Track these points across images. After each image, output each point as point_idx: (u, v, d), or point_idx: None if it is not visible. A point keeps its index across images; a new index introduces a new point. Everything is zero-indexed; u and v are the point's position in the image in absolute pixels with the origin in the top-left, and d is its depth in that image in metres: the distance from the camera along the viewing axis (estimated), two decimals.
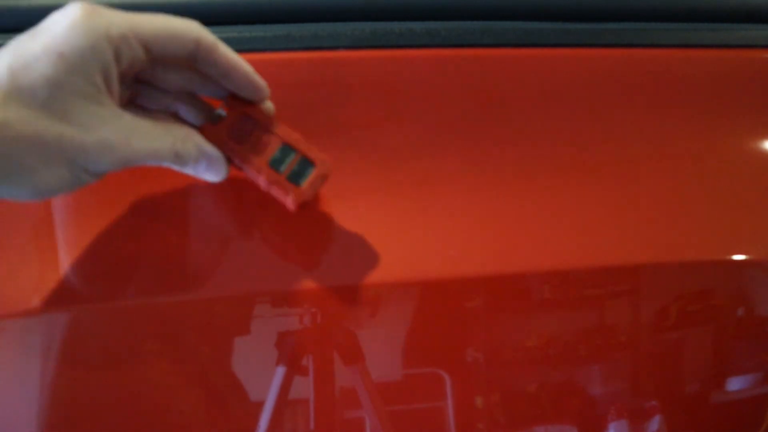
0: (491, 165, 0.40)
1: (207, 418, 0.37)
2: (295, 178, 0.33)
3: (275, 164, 0.33)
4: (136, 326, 0.36)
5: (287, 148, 0.34)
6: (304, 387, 0.38)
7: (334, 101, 0.40)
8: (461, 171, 0.40)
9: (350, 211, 0.38)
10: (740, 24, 0.46)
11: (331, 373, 0.38)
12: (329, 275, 0.37)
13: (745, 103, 0.44)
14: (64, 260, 0.35)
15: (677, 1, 0.45)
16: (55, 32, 0.27)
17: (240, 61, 0.32)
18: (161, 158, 0.31)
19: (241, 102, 0.34)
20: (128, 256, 0.36)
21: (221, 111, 0.34)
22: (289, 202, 0.34)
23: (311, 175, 0.33)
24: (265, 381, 0.37)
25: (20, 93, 0.26)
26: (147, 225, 0.37)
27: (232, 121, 0.33)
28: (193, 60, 0.31)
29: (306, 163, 0.34)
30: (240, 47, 0.39)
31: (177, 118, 0.35)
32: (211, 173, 0.34)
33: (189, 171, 0.33)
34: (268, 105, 0.35)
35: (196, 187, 0.37)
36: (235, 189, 0.38)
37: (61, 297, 0.34)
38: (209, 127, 0.33)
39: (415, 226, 0.38)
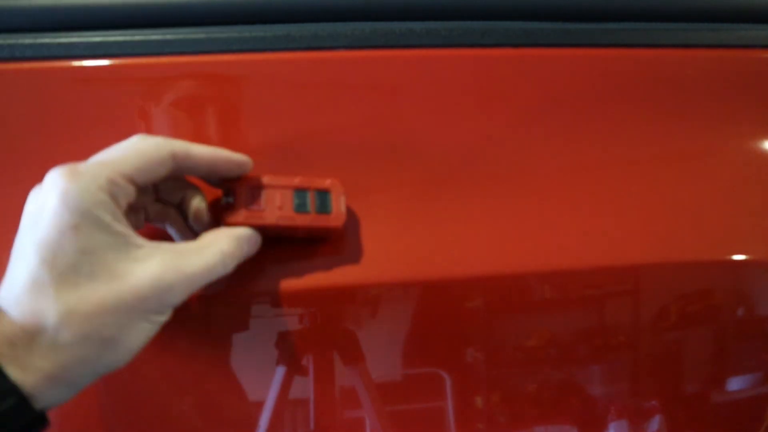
0: (491, 165, 0.40)
1: (208, 418, 0.37)
2: (323, 209, 0.36)
3: (301, 209, 0.35)
4: None
5: (300, 192, 0.36)
6: (304, 387, 0.38)
7: (334, 101, 0.40)
8: (461, 171, 0.40)
9: (348, 211, 0.38)
10: (740, 24, 0.46)
11: (331, 373, 0.38)
12: (329, 275, 0.37)
13: (745, 103, 0.44)
14: None
15: (677, 1, 0.45)
16: (55, 210, 0.27)
17: (216, 151, 0.34)
18: (216, 271, 0.31)
19: (238, 179, 0.35)
20: None
21: (229, 198, 0.35)
22: (333, 229, 0.36)
23: (333, 201, 0.36)
24: (264, 381, 0.37)
25: (65, 276, 0.27)
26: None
27: (242, 199, 0.35)
28: (178, 170, 0.32)
29: (322, 194, 0.36)
30: (240, 47, 0.39)
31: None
32: (251, 252, 0.34)
33: (237, 263, 0.34)
34: (249, 165, 0.36)
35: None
36: None
37: None
38: (229, 216, 0.35)
39: (415, 226, 0.38)
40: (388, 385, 0.38)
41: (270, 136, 0.39)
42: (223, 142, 0.38)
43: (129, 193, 0.30)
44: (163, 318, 0.30)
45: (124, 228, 0.29)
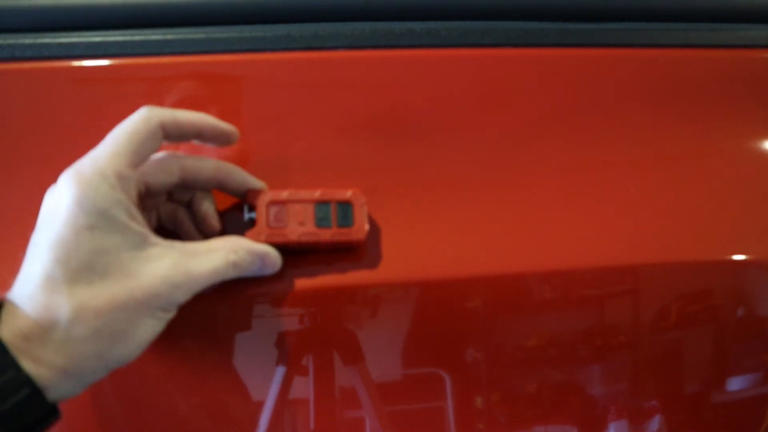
0: (490, 165, 0.40)
1: (209, 418, 0.37)
2: (345, 222, 0.36)
3: (323, 223, 0.36)
4: None
5: (321, 205, 0.36)
6: (304, 387, 0.38)
7: (334, 101, 0.40)
8: (461, 171, 0.40)
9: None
10: (740, 24, 0.46)
11: (332, 372, 0.38)
12: (329, 275, 0.37)
13: (745, 103, 0.44)
14: None
15: (677, 1, 0.45)
16: (70, 211, 0.28)
17: (203, 116, 0.34)
18: (221, 275, 0.32)
19: (259, 194, 0.36)
20: None
21: (251, 214, 0.35)
22: (355, 242, 0.36)
23: (355, 213, 0.36)
24: (265, 381, 0.37)
25: (78, 274, 0.28)
26: None
27: (264, 216, 0.35)
28: (168, 138, 0.33)
29: (344, 206, 0.36)
30: (240, 47, 0.39)
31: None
32: (268, 269, 0.35)
33: (248, 275, 0.34)
34: (261, 184, 0.36)
35: None
36: None
37: None
38: (251, 234, 0.35)
39: (415, 226, 0.38)
40: (388, 385, 0.38)
41: (270, 135, 0.39)
42: None
43: (134, 177, 0.31)
44: (170, 315, 0.31)
45: (139, 227, 0.30)
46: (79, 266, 0.28)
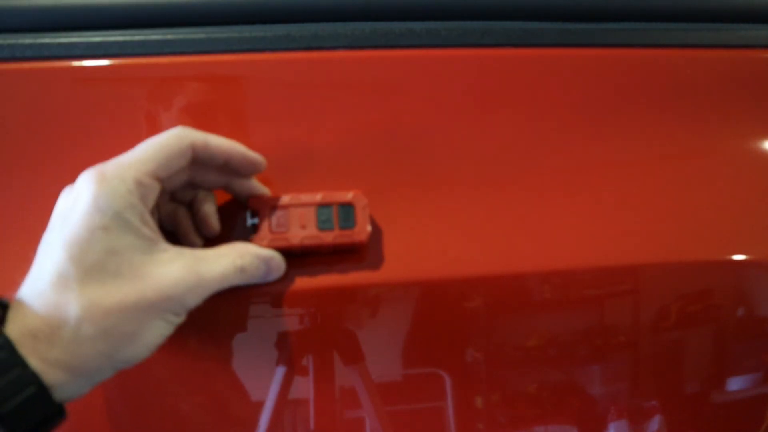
0: (490, 165, 0.40)
1: (210, 417, 0.37)
2: (347, 224, 0.36)
3: (325, 225, 0.36)
4: None
5: (322, 208, 0.36)
6: (304, 387, 0.38)
7: (334, 101, 0.40)
8: (461, 171, 0.40)
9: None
10: (740, 24, 0.46)
11: (332, 372, 0.38)
12: (329, 275, 0.37)
13: (745, 103, 0.44)
14: None
15: (677, 1, 0.45)
16: (86, 211, 0.28)
17: (233, 144, 0.34)
18: (229, 279, 0.32)
19: (261, 200, 0.36)
20: None
21: (253, 220, 0.36)
22: (357, 244, 0.36)
23: (356, 215, 0.36)
24: (265, 381, 0.37)
25: (91, 273, 0.28)
26: None
27: (267, 221, 0.36)
28: (196, 160, 0.33)
29: (345, 208, 0.36)
30: (240, 47, 0.39)
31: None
32: (273, 274, 0.35)
33: (253, 281, 0.34)
34: (265, 189, 0.37)
35: None
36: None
37: None
38: (255, 238, 0.35)
39: (415, 226, 0.38)
40: (388, 385, 0.38)
41: (269, 135, 0.39)
42: None
43: (155, 189, 0.31)
44: (179, 319, 0.31)
45: (151, 232, 0.30)
46: (93, 265, 0.28)
